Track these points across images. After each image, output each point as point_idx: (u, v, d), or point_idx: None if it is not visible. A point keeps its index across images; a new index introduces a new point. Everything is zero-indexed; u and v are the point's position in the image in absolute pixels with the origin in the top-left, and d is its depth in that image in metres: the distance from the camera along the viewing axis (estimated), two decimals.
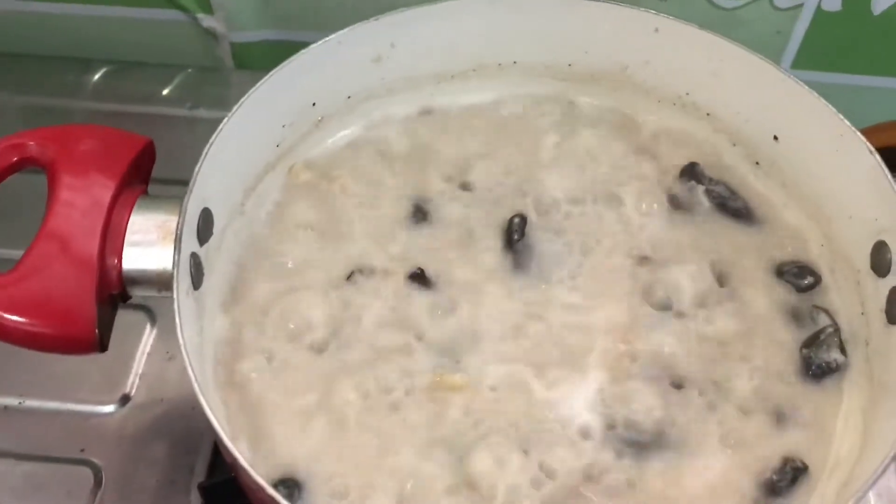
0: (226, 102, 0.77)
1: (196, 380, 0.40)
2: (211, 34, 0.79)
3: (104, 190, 0.46)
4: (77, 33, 0.80)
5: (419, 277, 0.52)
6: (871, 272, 0.49)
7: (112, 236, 0.46)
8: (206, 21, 0.78)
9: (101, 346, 0.45)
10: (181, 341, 0.41)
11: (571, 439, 0.46)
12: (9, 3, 0.79)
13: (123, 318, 0.49)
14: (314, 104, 0.56)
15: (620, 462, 0.46)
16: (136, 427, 0.57)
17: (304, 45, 0.53)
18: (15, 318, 0.43)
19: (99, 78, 0.80)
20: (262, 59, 0.80)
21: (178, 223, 0.45)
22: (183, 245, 0.44)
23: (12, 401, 0.59)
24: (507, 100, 0.60)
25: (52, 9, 0.79)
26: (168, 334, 0.61)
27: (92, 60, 0.81)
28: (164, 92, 0.79)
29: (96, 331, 0.44)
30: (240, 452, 0.44)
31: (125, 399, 0.59)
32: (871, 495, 0.57)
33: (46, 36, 0.81)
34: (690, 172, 0.56)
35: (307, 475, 0.45)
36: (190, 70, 0.81)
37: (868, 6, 0.71)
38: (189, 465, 0.56)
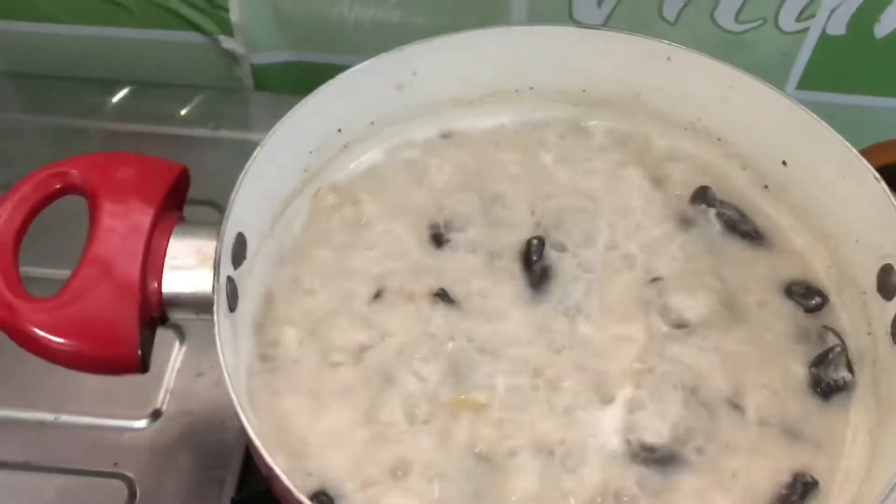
0: (246, 123, 0.81)
1: (237, 401, 0.42)
2: (231, 55, 0.81)
3: (144, 216, 0.48)
4: (98, 55, 0.82)
5: (443, 297, 0.54)
6: (878, 294, 0.51)
7: (152, 261, 0.47)
8: (226, 43, 0.80)
9: (143, 366, 0.47)
10: (222, 362, 0.43)
11: (591, 458, 0.48)
12: (30, 25, 0.81)
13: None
14: (340, 130, 0.58)
15: (636, 481, 0.48)
16: (167, 441, 0.59)
17: (323, 66, 0.55)
18: (61, 339, 0.45)
19: (120, 98, 0.82)
20: (282, 80, 0.82)
21: (216, 248, 0.47)
22: (221, 270, 0.46)
23: (48, 416, 0.60)
24: (523, 123, 0.62)
25: (73, 31, 0.81)
26: (196, 352, 0.63)
27: (113, 81, 0.82)
28: (184, 112, 0.81)
29: (139, 352, 0.46)
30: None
31: (156, 414, 0.61)
32: None
33: (68, 57, 0.82)
34: (702, 196, 0.58)
35: (337, 491, 0.47)
36: (210, 91, 0.82)
37: (871, 30, 0.73)
38: (219, 478, 0.57)
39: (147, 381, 0.61)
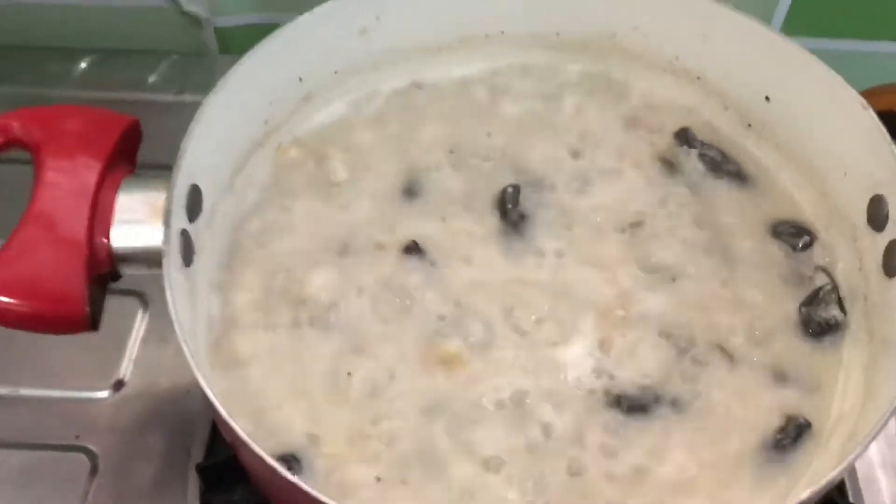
0: (211, 87, 0.78)
1: (191, 355, 0.40)
2: (194, 19, 0.78)
3: (90, 170, 0.46)
4: (60, 23, 0.79)
5: (414, 250, 0.51)
6: (868, 227, 0.49)
7: (100, 216, 0.45)
8: (189, 5, 0.77)
9: (93, 324, 0.44)
10: (174, 316, 0.40)
11: (571, 400, 0.46)
12: None
13: (115, 303, 0.48)
14: (301, 79, 0.55)
15: (621, 422, 0.46)
16: (130, 412, 0.57)
17: None
18: (4, 298, 0.43)
19: (84, 67, 0.79)
20: (248, 43, 0.77)
21: (166, 198, 0.44)
22: (172, 221, 0.44)
23: (6, 390, 0.58)
24: (496, 71, 0.60)
25: (34, 0, 0.78)
26: (161, 318, 0.60)
27: (76, 50, 0.79)
28: (150, 79, 0.79)
29: (87, 309, 0.43)
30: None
31: (119, 384, 0.58)
32: (877, 468, 0.57)
33: (30, 27, 0.80)
34: (683, 137, 0.56)
35: (304, 451, 0.45)
36: (175, 56, 0.80)
37: None
38: (186, 447, 0.55)
39: (109, 351, 0.59)
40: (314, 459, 0.45)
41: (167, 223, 0.43)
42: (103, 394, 0.58)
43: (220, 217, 0.51)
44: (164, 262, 0.42)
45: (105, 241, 0.45)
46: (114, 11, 0.79)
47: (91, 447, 0.56)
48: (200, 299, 0.48)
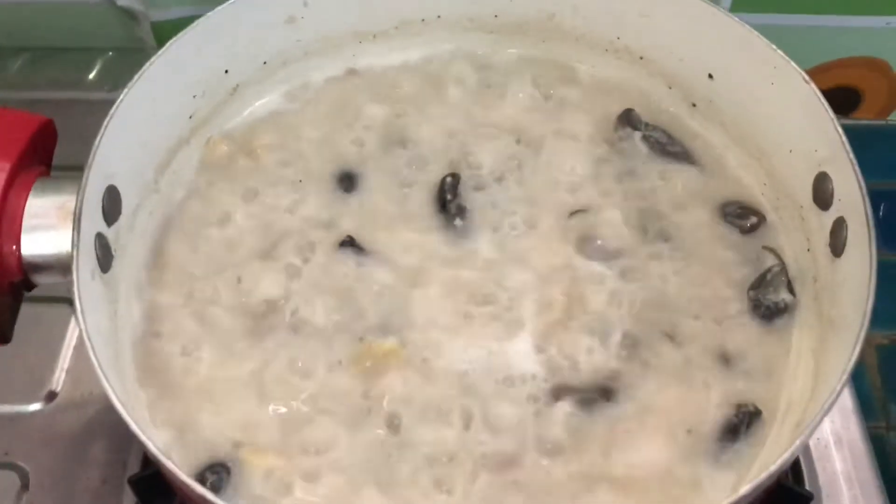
0: None
1: (100, 366, 0.38)
2: (129, 14, 0.76)
3: None
4: None
5: (349, 245, 0.49)
6: (815, 206, 0.47)
7: (8, 221, 0.43)
8: (123, 0, 0.75)
9: (2, 336, 0.42)
10: (82, 327, 0.38)
11: (514, 394, 0.44)
12: None
13: (45, 312, 0.46)
14: (227, 71, 0.53)
15: (566, 416, 0.44)
16: (63, 425, 0.55)
17: None
18: None
19: (17, 66, 0.77)
20: None
21: (77, 200, 0.42)
22: (84, 225, 0.42)
23: None
24: (433, 57, 0.58)
25: None
26: None
27: (7, 48, 0.77)
28: (88, 77, 0.76)
29: None
30: (162, 441, 0.42)
31: (51, 396, 0.56)
32: (831, 442, 0.55)
33: None
34: (626, 119, 0.54)
35: (235, 458, 0.43)
36: (111, 53, 0.77)
37: None
38: (122, 460, 0.53)
39: (40, 361, 0.57)
40: (243, 468, 0.43)
41: (77, 227, 0.41)
42: (35, 406, 0.56)
43: (145, 217, 0.49)
44: (74, 268, 0.40)
45: (14, 248, 0.42)
46: (47, 8, 0.76)
47: (21, 464, 0.53)
48: (123, 304, 0.46)
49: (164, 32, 0.77)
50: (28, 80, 0.76)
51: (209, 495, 0.35)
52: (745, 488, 0.37)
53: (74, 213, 0.41)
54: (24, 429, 0.54)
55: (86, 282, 0.41)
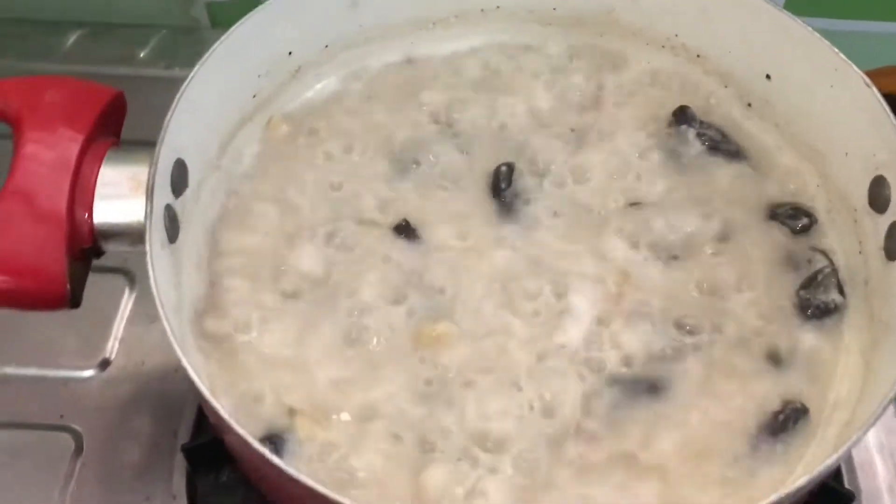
0: None
1: (173, 333, 0.38)
2: None
3: (72, 143, 0.44)
4: None
5: (404, 228, 0.50)
6: (870, 209, 0.48)
7: (81, 190, 0.44)
8: None
9: (73, 301, 0.43)
10: (155, 293, 0.39)
11: (565, 380, 0.45)
12: None
13: (101, 281, 0.47)
14: (290, 53, 0.54)
15: (615, 404, 0.45)
16: (116, 391, 0.56)
17: None
18: None
19: (71, 41, 0.78)
20: (239, 17, 0.77)
21: (150, 172, 0.43)
22: (156, 196, 0.43)
23: None
24: (490, 46, 0.58)
25: None
26: (148, 297, 0.57)
27: (63, 23, 0.78)
28: (140, 54, 0.77)
29: (67, 285, 0.42)
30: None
31: (105, 364, 0.57)
32: (874, 452, 0.56)
33: None
34: (681, 116, 0.55)
35: (290, 428, 0.44)
36: (165, 31, 0.78)
37: None
38: (172, 428, 0.54)
39: (95, 330, 0.58)
40: (298, 439, 0.44)
41: (150, 198, 0.42)
42: (89, 373, 0.57)
43: (207, 193, 0.50)
44: (147, 238, 0.41)
45: (86, 215, 0.44)
46: None
47: (76, 427, 0.55)
48: (186, 276, 0.47)
49: (219, 13, 0.78)
50: (82, 55, 0.77)
51: (275, 459, 0.35)
52: (789, 488, 0.38)
53: (147, 184, 0.42)
54: (78, 394, 0.56)
55: (157, 251, 0.42)
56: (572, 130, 0.55)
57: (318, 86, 0.56)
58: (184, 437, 0.54)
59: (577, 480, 0.43)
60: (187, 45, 0.77)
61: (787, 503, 0.38)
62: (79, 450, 0.54)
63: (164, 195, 0.44)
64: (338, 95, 0.56)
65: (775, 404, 0.45)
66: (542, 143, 0.54)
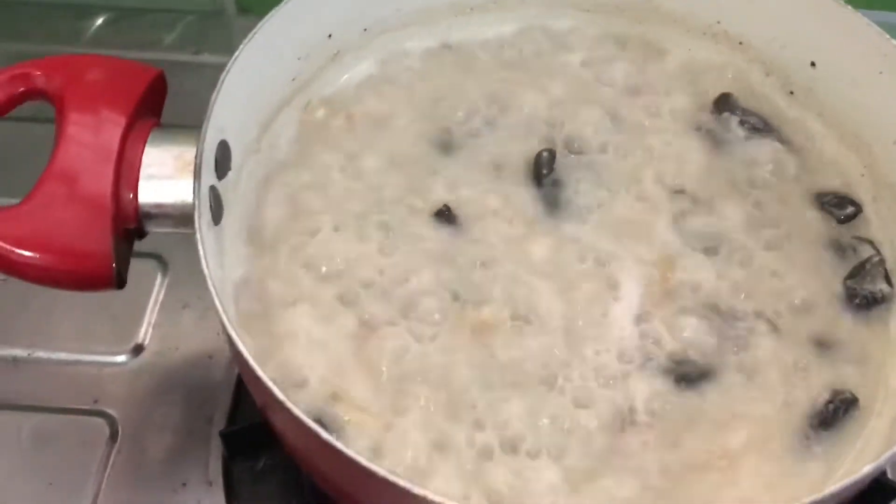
0: (229, 47, 0.74)
1: (224, 312, 0.38)
2: None
3: (115, 122, 0.44)
4: None
5: (445, 214, 0.49)
6: None
7: (126, 170, 0.43)
8: None
9: (119, 282, 0.42)
10: (206, 272, 0.39)
11: (613, 369, 0.45)
12: None
13: (133, 266, 0.46)
14: (330, 36, 0.53)
15: (663, 393, 0.44)
16: (150, 377, 0.55)
17: None
18: (27, 253, 0.41)
19: (98, 25, 0.77)
20: (266, 3, 0.77)
21: (197, 152, 0.42)
22: (203, 176, 0.42)
23: (21, 352, 0.56)
24: (528, 32, 0.58)
25: None
26: (181, 283, 0.59)
27: (90, 7, 0.78)
28: (167, 39, 0.77)
29: (113, 266, 0.42)
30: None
31: (138, 349, 0.57)
32: None
33: None
34: (724, 104, 0.54)
35: (332, 413, 0.43)
36: (192, 16, 0.78)
37: None
38: (207, 415, 0.54)
39: (127, 315, 0.57)
40: (340, 423, 0.43)
41: (198, 178, 0.42)
42: (122, 358, 0.56)
43: (246, 176, 0.50)
44: (196, 218, 0.40)
45: (131, 195, 0.43)
46: None
47: (110, 412, 0.54)
48: (229, 257, 0.47)
49: None
50: (108, 40, 0.76)
51: (332, 440, 0.35)
52: (838, 485, 0.37)
53: (195, 164, 0.42)
54: (112, 379, 0.55)
55: (205, 231, 0.41)
56: (613, 117, 0.54)
57: (357, 69, 0.56)
58: (219, 423, 0.53)
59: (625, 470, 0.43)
60: (214, 30, 0.77)
61: (839, 499, 0.38)
62: (113, 435, 0.53)
63: (209, 176, 0.44)
64: (375, 79, 0.56)
65: (824, 394, 0.45)
66: (582, 129, 0.53)
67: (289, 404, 0.36)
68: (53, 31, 0.76)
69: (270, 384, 0.36)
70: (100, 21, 0.78)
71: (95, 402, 0.54)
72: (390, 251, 0.48)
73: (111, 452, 0.53)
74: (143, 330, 0.57)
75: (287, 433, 0.40)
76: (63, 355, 0.56)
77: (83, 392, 0.55)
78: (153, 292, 0.59)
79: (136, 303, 0.58)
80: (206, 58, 0.74)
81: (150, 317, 0.58)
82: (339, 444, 0.35)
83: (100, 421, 0.54)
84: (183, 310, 0.58)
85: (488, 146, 0.53)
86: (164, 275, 0.59)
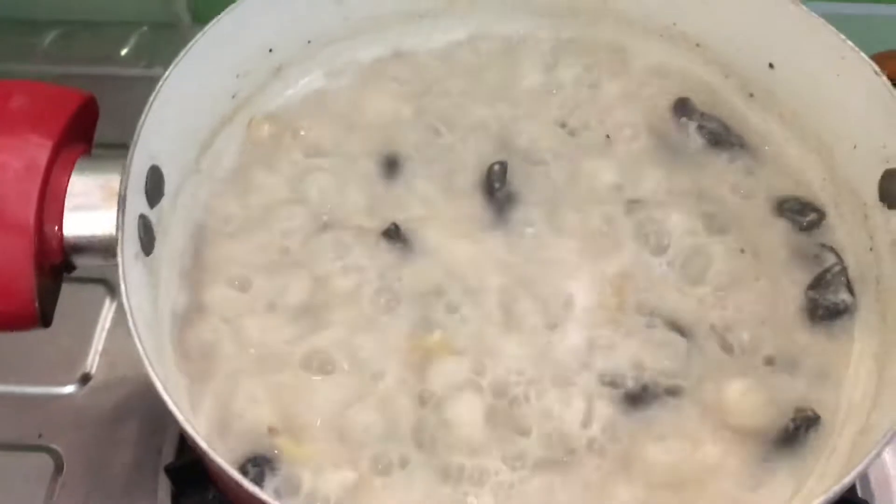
0: None
1: (144, 350, 0.37)
2: None
3: (40, 150, 0.42)
4: None
5: (393, 233, 0.48)
6: (880, 204, 0.45)
7: (50, 201, 0.41)
8: None
9: (44, 320, 0.41)
10: (126, 307, 0.37)
11: (564, 388, 0.43)
12: None
13: (80, 292, 0.45)
14: (271, 50, 0.52)
15: (616, 413, 0.43)
16: (97, 408, 0.54)
17: None
18: None
19: (50, 40, 0.75)
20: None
21: (121, 182, 0.40)
22: (128, 205, 0.40)
23: None
24: (481, 38, 0.56)
25: None
26: None
27: (42, 22, 0.76)
28: (120, 52, 0.75)
29: (36, 304, 0.40)
30: (203, 429, 0.41)
31: (85, 378, 0.55)
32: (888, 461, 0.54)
33: None
34: (681, 108, 0.53)
35: (273, 447, 0.42)
36: (146, 28, 0.76)
37: None
38: (156, 446, 0.52)
39: (74, 343, 0.56)
40: (282, 458, 0.41)
41: (122, 208, 0.40)
42: (69, 388, 0.55)
43: (186, 199, 0.48)
44: (119, 250, 0.39)
45: (56, 228, 0.41)
46: None
47: (55, 446, 0.53)
48: (164, 288, 0.45)
49: (201, 8, 0.76)
50: (61, 55, 0.75)
51: (252, 487, 0.33)
52: None
53: (119, 194, 0.40)
54: (57, 411, 0.54)
55: (130, 264, 0.39)
56: (567, 125, 0.53)
57: (301, 83, 0.54)
58: (168, 454, 0.51)
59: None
60: (169, 42, 0.75)
61: None
62: (58, 470, 0.52)
63: (137, 204, 0.42)
64: (321, 93, 0.54)
65: (786, 412, 0.43)
66: (535, 138, 0.52)
67: (213, 455, 0.34)
68: (5, 47, 0.74)
69: (192, 431, 0.35)
70: (52, 35, 0.76)
71: (40, 436, 0.53)
72: (337, 275, 0.47)
73: (55, 488, 0.51)
74: (90, 359, 0.56)
75: (218, 479, 0.39)
76: (5, 388, 0.55)
77: (27, 426, 0.53)
78: (100, 318, 0.57)
79: (83, 329, 0.56)
80: (159, 71, 0.71)
81: (98, 345, 0.56)
82: (256, 490, 0.33)
83: (44, 457, 0.52)
84: (131, 337, 0.56)
85: (438, 159, 0.51)
86: (112, 299, 0.58)
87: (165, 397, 0.35)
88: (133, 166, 0.41)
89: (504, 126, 0.52)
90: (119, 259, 0.39)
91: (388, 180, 0.51)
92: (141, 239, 0.42)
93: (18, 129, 0.43)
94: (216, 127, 0.50)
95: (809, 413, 0.43)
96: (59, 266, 0.42)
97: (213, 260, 0.47)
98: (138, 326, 0.37)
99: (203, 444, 0.34)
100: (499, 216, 0.49)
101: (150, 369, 0.36)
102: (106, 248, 0.41)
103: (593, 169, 0.51)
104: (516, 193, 0.50)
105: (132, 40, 0.76)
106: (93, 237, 0.41)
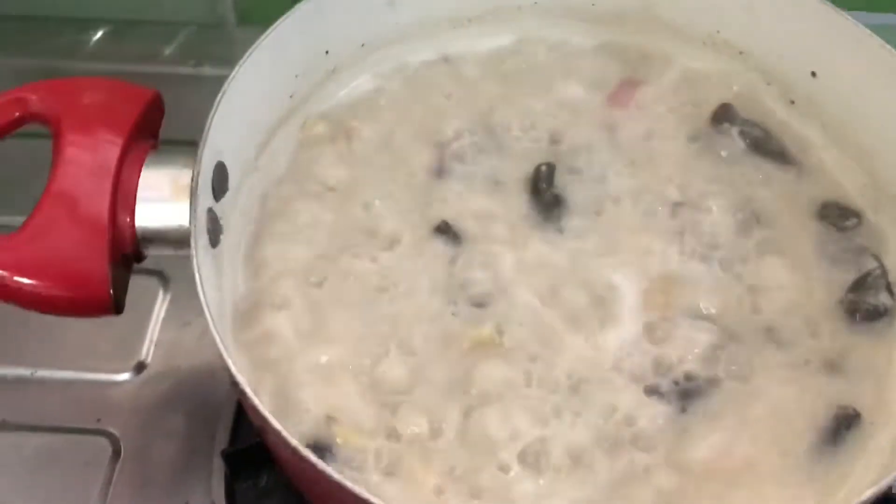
0: (230, 59, 0.74)
1: (220, 338, 0.38)
2: None
3: (112, 145, 0.44)
4: None
5: (444, 230, 0.49)
6: None
7: (123, 194, 0.43)
8: None
9: (117, 307, 0.42)
10: (202, 298, 0.39)
11: (614, 387, 0.44)
12: None
13: (135, 283, 0.46)
14: (327, 52, 0.53)
15: (665, 411, 0.44)
16: (153, 395, 0.55)
17: None
18: (25, 280, 0.41)
19: (98, 38, 0.77)
20: (266, 13, 0.74)
21: (193, 175, 0.42)
22: (199, 199, 0.42)
23: (24, 371, 0.57)
24: (527, 44, 0.58)
25: None
26: (183, 300, 0.59)
27: (90, 20, 0.78)
28: (166, 51, 0.77)
29: (110, 292, 0.42)
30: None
31: (140, 367, 0.57)
32: None
33: None
34: (724, 114, 0.54)
35: (331, 436, 0.43)
36: (192, 27, 0.78)
37: None
38: (209, 433, 0.53)
39: (129, 333, 0.57)
40: (339, 446, 0.43)
41: (193, 202, 0.42)
42: (124, 376, 0.56)
43: (245, 196, 0.50)
44: (192, 242, 0.40)
45: (129, 220, 0.43)
46: None
47: (113, 430, 0.54)
48: (226, 280, 0.47)
49: (246, 8, 0.77)
50: (108, 53, 0.76)
51: (324, 467, 0.35)
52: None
53: (191, 188, 0.42)
54: (115, 397, 0.55)
55: (201, 255, 0.41)
56: (613, 129, 0.54)
57: (354, 84, 0.55)
58: (222, 440, 0.53)
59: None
60: (214, 42, 0.77)
61: None
62: (116, 454, 0.53)
63: (205, 198, 0.44)
64: (374, 93, 0.56)
65: (827, 409, 0.44)
66: (582, 142, 0.53)
67: (284, 433, 0.36)
68: (54, 45, 0.76)
69: (264, 411, 0.36)
70: (100, 34, 0.77)
71: (98, 421, 0.54)
72: (389, 270, 0.48)
73: (113, 472, 0.53)
74: (145, 348, 0.57)
75: (282, 458, 0.40)
76: (66, 374, 0.56)
77: (86, 411, 0.55)
78: (155, 310, 0.59)
79: (139, 320, 0.58)
80: (207, 70, 0.73)
81: (153, 334, 0.58)
82: (328, 469, 0.35)
83: (102, 440, 0.54)
84: (184, 327, 0.58)
85: (488, 160, 0.53)
86: (166, 292, 0.60)
87: (240, 380, 0.37)
88: (202, 162, 0.43)
89: (550, 129, 0.54)
90: (193, 250, 0.40)
91: (438, 179, 0.52)
92: (209, 231, 0.44)
93: (92, 125, 0.44)
94: (274, 125, 0.52)
95: (850, 411, 0.44)
96: (131, 256, 0.44)
97: (269, 254, 0.49)
98: (213, 314, 0.38)
99: (275, 423, 0.36)
100: (545, 216, 0.50)
101: (225, 355, 0.38)
102: (177, 240, 0.43)
103: (637, 171, 0.52)
104: (562, 195, 0.51)
105: (178, 40, 0.77)
106: (163, 229, 0.43)
